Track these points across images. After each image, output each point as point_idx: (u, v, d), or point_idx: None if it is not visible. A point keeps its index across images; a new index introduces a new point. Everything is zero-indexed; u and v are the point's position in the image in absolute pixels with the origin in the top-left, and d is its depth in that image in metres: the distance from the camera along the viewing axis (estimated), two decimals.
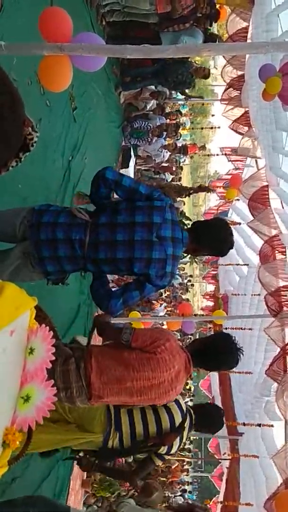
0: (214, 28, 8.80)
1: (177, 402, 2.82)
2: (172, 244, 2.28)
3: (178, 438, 2.74)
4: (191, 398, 18.00)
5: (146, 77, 7.80)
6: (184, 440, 2.85)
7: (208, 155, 12.59)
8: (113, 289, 2.42)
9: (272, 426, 7.46)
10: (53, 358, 1.11)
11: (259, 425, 7.49)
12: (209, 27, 7.70)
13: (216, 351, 2.36)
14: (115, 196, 2.44)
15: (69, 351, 2.16)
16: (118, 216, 2.27)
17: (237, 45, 4.40)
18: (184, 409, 2.89)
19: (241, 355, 2.34)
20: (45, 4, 4.19)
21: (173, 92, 9.95)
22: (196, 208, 41.77)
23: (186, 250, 2.42)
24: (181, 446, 2.95)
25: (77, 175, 5.08)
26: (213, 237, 2.38)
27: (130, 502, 3.22)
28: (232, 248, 2.46)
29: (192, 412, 2.96)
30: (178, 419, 2.76)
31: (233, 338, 2.40)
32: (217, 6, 7.50)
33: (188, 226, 2.47)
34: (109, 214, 2.30)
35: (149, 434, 2.71)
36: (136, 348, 2.15)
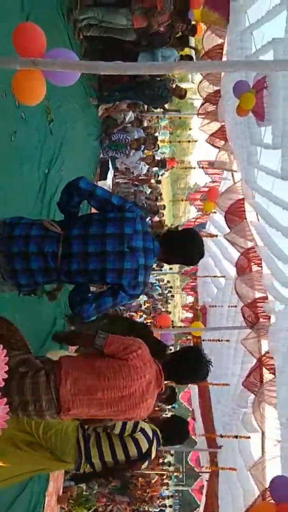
0: (192, 43, 8.92)
1: (142, 431, 3.16)
2: (143, 255, 2.34)
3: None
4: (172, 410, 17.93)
5: (124, 90, 7.89)
6: (152, 457, 3.24)
7: (187, 168, 12.69)
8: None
9: (249, 438, 7.48)
10: (6, 376, 1.11)
11: (236, 437, 7.51)
12: (186, 42, 7.84)
13: (185, 362, 2.39)
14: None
15: (40, 363, 2.14)
16: (89, 228, 2.31)
17: (207, 63, 4.52)
18: (151, 435, 3.21)
19: (211, 367, 2.37)
20: (21, 18, 4.23)
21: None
22: (177, 219, 42.00)
23: (158, 259, 2.49)
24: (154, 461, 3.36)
25: (53, 187, 5.07)
26: (184, 247, 2.45)
27: None
28: (202, 257, 2.52)
29: (158, 431, 3.30)
30: (144, 447, 3.13)
31: (202, 350, 2.46)
32: (193, 22, 7.64)
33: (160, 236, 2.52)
34: (81, 226, 2.33)
35: (118, 461, 3.08)
36: (108, 355, 2.16)
